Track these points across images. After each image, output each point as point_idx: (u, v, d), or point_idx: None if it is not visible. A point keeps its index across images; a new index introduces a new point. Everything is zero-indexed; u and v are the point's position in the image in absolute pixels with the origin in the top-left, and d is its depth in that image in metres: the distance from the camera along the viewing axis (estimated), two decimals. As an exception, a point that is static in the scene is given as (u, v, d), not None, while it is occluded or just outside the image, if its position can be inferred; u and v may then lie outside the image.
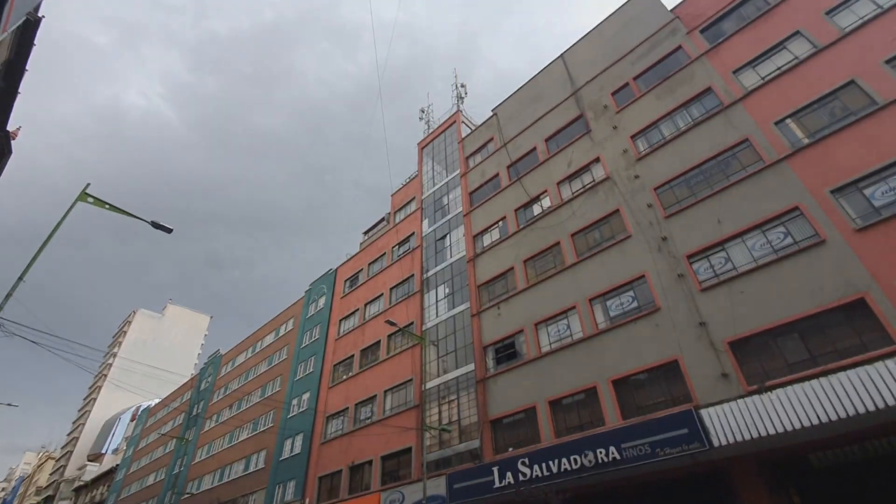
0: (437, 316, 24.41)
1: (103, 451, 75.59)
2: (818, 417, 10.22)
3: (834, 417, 10.03)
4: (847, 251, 12.31)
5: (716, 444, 11.35)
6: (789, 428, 10.50)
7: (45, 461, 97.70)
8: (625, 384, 15.36)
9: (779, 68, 16.27)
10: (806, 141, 14.54)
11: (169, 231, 13.74)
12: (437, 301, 25.03)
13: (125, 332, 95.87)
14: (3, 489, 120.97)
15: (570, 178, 21.51)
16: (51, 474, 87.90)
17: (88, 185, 11.73)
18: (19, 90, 12.27)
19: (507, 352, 19.77)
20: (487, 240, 24.10)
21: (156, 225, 13.57)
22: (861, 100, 13.91)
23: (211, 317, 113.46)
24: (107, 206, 12.13)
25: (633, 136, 19.62)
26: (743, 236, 14.58)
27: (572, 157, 21.75)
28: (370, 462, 22.96)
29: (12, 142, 13.82)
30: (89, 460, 76.01)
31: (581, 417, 16.02)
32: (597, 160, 20.66)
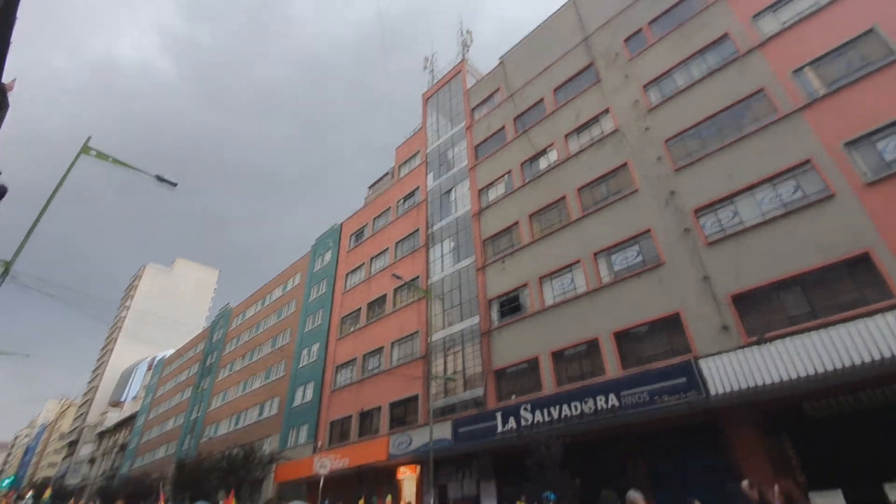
0: (442, 270, 24.67)
1: (122, 399, 79.20)
2: (814, 368, 10.48)
3: (830, 368, 10.29)
4: (855, 206, 12.19)
5: (713, 392, 11.73)
6: (785, 378, 10.79)
7: (67, 408, 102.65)
8: (626, 336, 15.71)
9: (798, 14, 15.45)
10: (822, 91, 14.04)
11: (174, 185, 13.70)
12: (442, 255, 25.21)
13: (136, 287, 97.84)
14: (27, 435, 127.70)
15: (578, 130, 21.01)
16: (73, 420, 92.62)
17: (90, 138, 11.62)
18: (10, 41, 11.90)
19: (511, 305, 20.11)
20: (493, 194, 23.92)
21: (160, 179, 13.52)
22: (880, 50, 13.33)
23: (219, 271, 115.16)
24: (110, 160, 12.06)
25: (645, 86, 18.96)
26: (753, 190, 14.40)
27: (581, 109, 21.15)
28: (378, 409, 23.99)
29: (8, 95, 13.56)
30: (110, 406, 79.80)
31: (582, 368, 16.51)
32: (606, 111, 20.09)
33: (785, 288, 12.78)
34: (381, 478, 21.92)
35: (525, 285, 19.70)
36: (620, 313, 15.96)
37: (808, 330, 11.24)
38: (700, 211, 15.32)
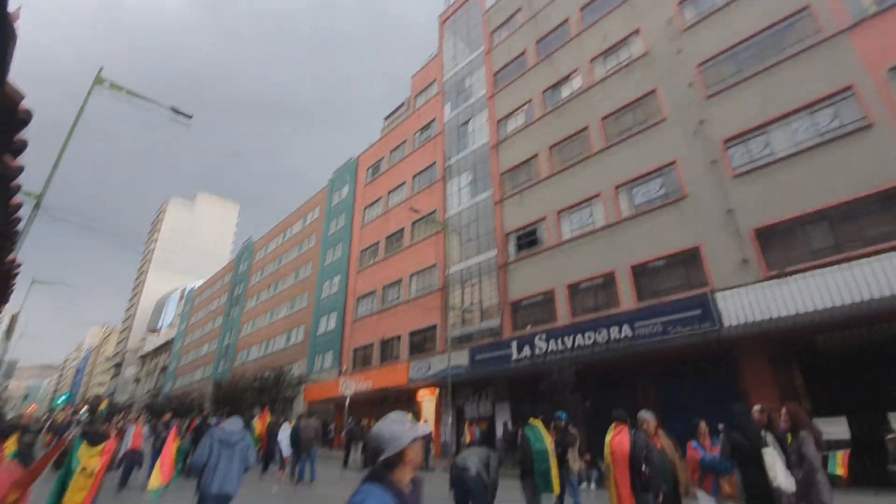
0: (459, 204, 24.60)
1: (158, 326, 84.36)
2: (832, 301, 10.47)
3: (848, 301, 10.26)
4: (893, 136, 11.51)
5: (727, 325, 11.91)
6: (801, 311, 10.84)
7: (109, 335, 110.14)
8: (643, 270, 15.77)
9: None
10: (873, 9, 12.75)
11: (189, 117, 13.60)
12: (459, 189, 25.01)
13: (161, 220, 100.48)
14: (75, 358, 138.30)
15: (605, 54, 19.74)
16: (116, 345, 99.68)
17: (102, 68, 11.43)
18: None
19: (528, 239, 20.18)
20: (512, 125, 23.15)
21: (175, 111, 13.42)
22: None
23: (239, 205, 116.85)
24: (123, 91, 11.95)
25: (680, 2, 17.45)
26: (787, 119, 13.62)
27: (609, 30, 19.72)
28: (398, 337, 25.14)
29: (15, 24, 13.26)
30: (149, 332, 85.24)
31: (597, 300, 16.81)
32: (636, 33, 18.71)
33: (811, 222, 12.46)
34: (402, 399, 23.48)
35: (543, 219, 19.61)
36: (638, 247, 15.92)
37: (831, 265, 11.09)
38: (730, 141, 14.66)
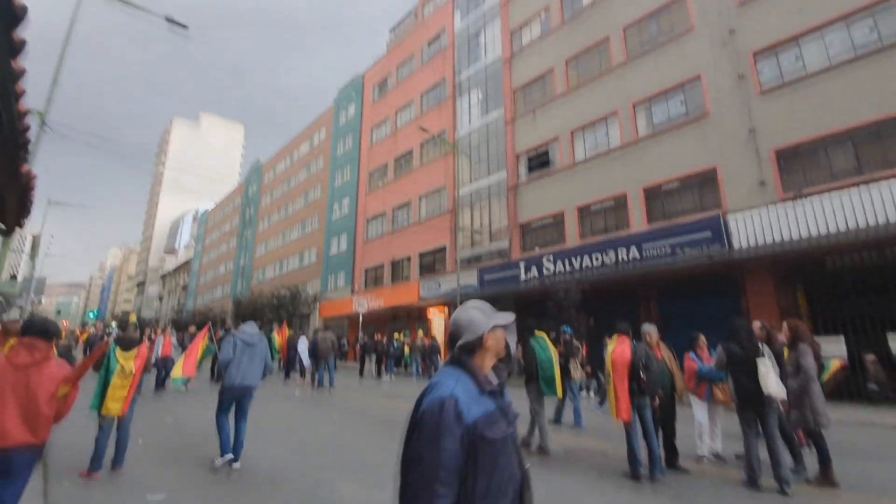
0: (469, 123, 23.79)
1: (176, 247, 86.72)
2: (847, 223, 10.35)
3: (863, 224, 10.14)
4: (949, 43, 10.62)
5: (736, 246, 11.93)
6: (815, 234, 10.76)
7: (129, 255, 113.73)
8: (656, 192, 15.53)
9: None
10: None
11: (184, 27, 12.92)
12: (469, 107, 24.04)
13: (167, 141, 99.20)
14: (100, 278, 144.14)
15: (633, -49, 17.82)
16: (137, 265, 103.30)
17: (89, -28, 10.68)
18: None
19: (539, 160, 19.73)
20: (527, 36, 21.63)
21: (170, 20, 12.72)
22: None
23: (244, 126, 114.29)
24: (116, -1, 11.26)
25: None
26: (823, 30, 12.55)
27: (639, -78, 17.61)
28: (409, 258, 25.67)
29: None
30: (166, 253, 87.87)
31: (607, 222, 16.77)
32: (670, -75, 16.71)
33: (835, 143, 11.95)
34: (413, 316, 24.53)
35: (556, 139, 19.01)
36: (653, 168, 15.54)
37: (850, 186, 10.81)
38: (760, 54, 13.65)
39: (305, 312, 29.96)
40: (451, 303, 20.58)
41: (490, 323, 1.55)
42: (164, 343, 11.22)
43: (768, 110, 13.16)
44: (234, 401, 5.42)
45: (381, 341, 18.56)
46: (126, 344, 5.05)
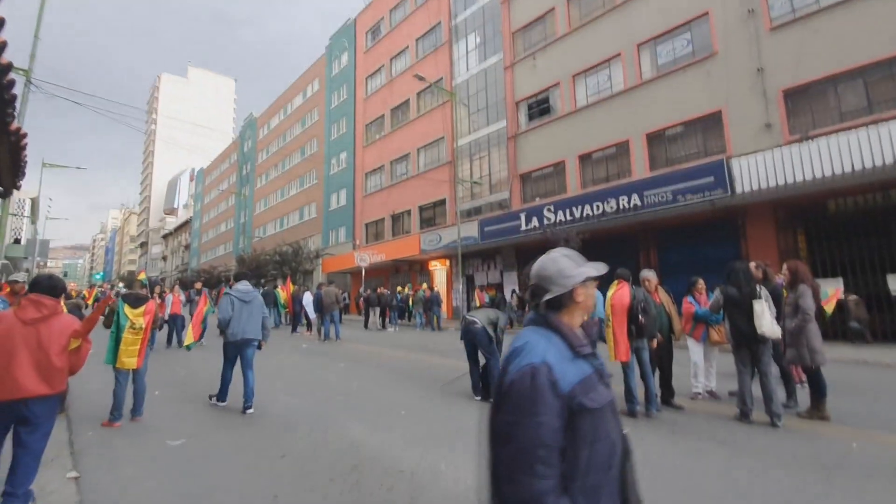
0: (467, 70, 22.94)
1: (175, 206, 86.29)
2: (852, 165, 10.17)
3: (869, 166, 9.96)
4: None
5: (739, 191, 11.80)
6: (819, 176, 10.59)
7: (129, 216, 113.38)
8: (659, 138, 15.21)
9: None
10: None
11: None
12: (467, 52, 23.09)
13: (157, 98, 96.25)
14: (102, 239, 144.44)
15: None
16: (138, 226, 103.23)
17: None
18: None
19: (540, 107, 19.18)
20: (526, -28, 20.38)
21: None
22: None
23: (235, 80, 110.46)
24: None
25: None
26: (846, -47, 11.77)
27: None
28: (409, 211, 25.57)
29: None
30: (166, 214, 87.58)
31: (609, 170, 16.54)
32: None
33: (847, 80, 11.55)
34: (415, 269, 24.77)
35: (556, 84, 18.38)
36: (657, 113, 15.13)
37: (859, 126, 10.54)
38: (774, -16, 12.90)
39: (309, 268, 30.25)
40: (451, 255, 20.71)
41: (582, 273, 1.34)
42: (174, 301, 11.45)
43: (778, 48, 12.62)
44: (237, 353, 5.75)
45: (384, 294, 18.85)
46: (133, 301, 5.18)
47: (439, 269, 23.57)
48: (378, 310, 18.80)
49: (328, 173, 34.05)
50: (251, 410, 5.48)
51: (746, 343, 4.92)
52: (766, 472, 3.56)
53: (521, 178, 19.48)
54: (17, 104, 3.01)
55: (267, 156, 45.75)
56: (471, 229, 19.24)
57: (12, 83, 2.38)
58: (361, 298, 19.84)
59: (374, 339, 14.39)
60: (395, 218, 26.69)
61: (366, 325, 18.60)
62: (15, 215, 25.38)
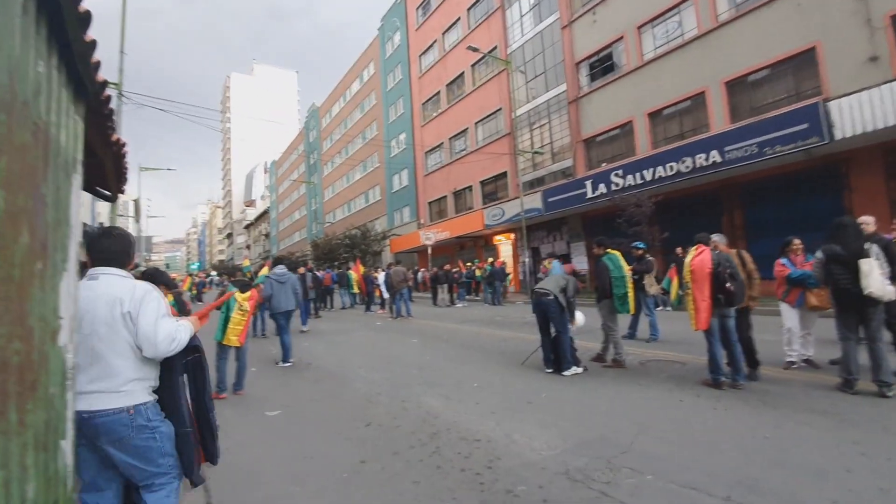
0: (521, 35, 22.05)
1: (253, 198, 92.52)
2: None
3: None
4: None
5: (839, 136, 10.48)
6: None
7: (215, 210, 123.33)
8: (740, 84, 13.79)
9: None
10: None
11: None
12: (521, 16, 22.16)
13: (228, 98, 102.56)
14: (195, 232, 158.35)
15: None
16: (223, 219, 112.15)
17: (128, -69, 10.72)
18: None
19: (602, 66, 18.08)
20: (581, -80, 18.98)
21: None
22: None
23: (297, 72, 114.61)
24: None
25: None
26: None
27: None
28: (470, 187, 25.49)
29: None
30: (245, 206, 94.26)
31: (683, 126, 15.34)
32: None
33: (983, -11, 9.68)
34: (480, 244, 24.79)
35: (620, 38, 17.17)
36: (737, 57, 13.68)
37: None
38: None
39: (377, 249, 31.34)
40: (516, 228, 20.45)
41: None
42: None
43: (888, -37, 10.83)
44: (281, 320, 7.37)
45: (450, 271, 19.11)
46: (242, 287, 5.86)
47: (504, 243, 23.41)
48: (446, 286, 19.13)
49: (389, 155, 34.67)
50: (288, 363, 7.15)
51: (853, 306, 4.44)
52: (877, 444, 3.25)
53: (585, 143, 18.62)
54: (115, 117, 3.31)
55: (331, 143, 47.42)
56: (534, 201, 18.84)
57: (109, 99, 2.63)
58: (429, 275, 20.24)
59: (444, 315, 14.71)
60: (457, 195, 26.73)
61: (434, 302, 19.04)
62: (121, 216, 28.55)
